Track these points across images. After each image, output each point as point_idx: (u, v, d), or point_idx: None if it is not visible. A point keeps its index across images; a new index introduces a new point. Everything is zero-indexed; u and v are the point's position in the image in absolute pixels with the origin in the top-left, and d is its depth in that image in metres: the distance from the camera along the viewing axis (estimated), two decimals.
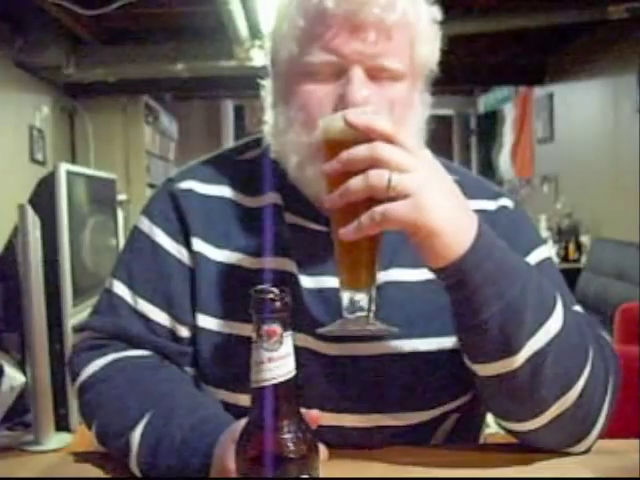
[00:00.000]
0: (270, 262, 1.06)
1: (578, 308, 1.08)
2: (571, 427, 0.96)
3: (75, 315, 3.40)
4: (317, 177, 0.96)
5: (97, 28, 5.53)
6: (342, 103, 0.95)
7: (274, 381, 0.65)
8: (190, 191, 1.11)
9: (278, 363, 0.65)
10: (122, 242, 4.34)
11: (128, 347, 1.06)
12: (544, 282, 0.94)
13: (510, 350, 0.89)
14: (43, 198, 3.25)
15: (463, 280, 0.87)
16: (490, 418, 1.08)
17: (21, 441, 2.16)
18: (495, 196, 1.14)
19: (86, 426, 1.05)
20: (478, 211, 1.09)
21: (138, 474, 0.93)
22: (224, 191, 1.12)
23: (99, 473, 0.97)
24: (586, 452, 0.98)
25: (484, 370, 0.93)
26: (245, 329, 1.04)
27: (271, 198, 1.10)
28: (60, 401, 3.20)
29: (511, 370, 0.90)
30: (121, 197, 5.15)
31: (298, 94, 1.00)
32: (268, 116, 1.09)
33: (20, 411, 3.17)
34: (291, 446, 0.65)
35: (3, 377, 2.98)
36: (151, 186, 6.91)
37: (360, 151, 0.83)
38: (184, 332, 1.08)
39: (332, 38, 0.96)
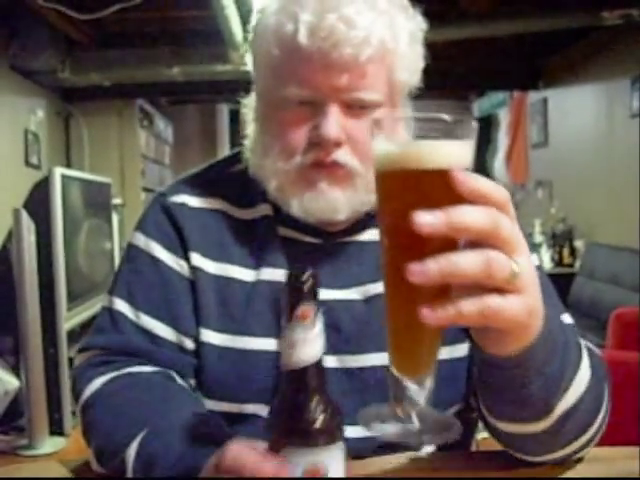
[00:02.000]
0: (266, 274, 1.06)
1: (567, 317, 1.08)
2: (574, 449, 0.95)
3: (70, 319, 3.41)
4: (298, 198, 0.98)
5: (92, 32, 5.53)
6: (316, 136, 0.97)
7: (309, 361, 0.68)
8: (183, 205, 1.11)
9: (312, 343, 0.68)
10: (117, 246, 4.34)
11: (130, 363, 1.05)
12: (571, 336, 0.88)
13: (540, 415, 0.85)
14: (38, 202, 3.26)
15: (518, 363, 0.77)
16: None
17: (15, 445, 2.16)
18: None
19: (87, 446, 1.03)
20: None
21: None
22: (216, 204, 1.12)
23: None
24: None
25: (507, 428, 0.89)
26: (247, 342, 1.04)
27: (263, 210, 1.10)
28: (54, 405, 3.21)
29: (537, 430, 0.86)
30: (116, 201, 5.15)
31: (273, 122, 1.02)
32: (250, 130, 1.10)
33: (14, 415, 3.17)
34: (325, 421, 0.69)
35: None
36: (146, 190, 6.90)
37: (480, 218, 0.65)
38: (189, 344, 1.07)
39: (307, 74, 0.96)
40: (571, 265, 6.01)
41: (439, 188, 0.65)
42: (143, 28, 5.60)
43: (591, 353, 1.02)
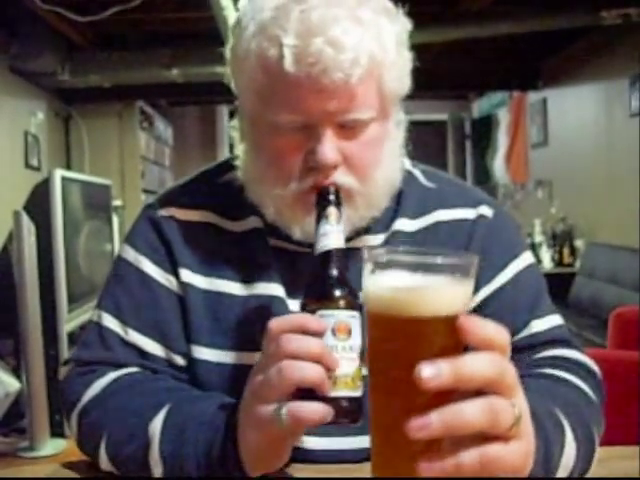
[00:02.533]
0: (258, 288, 1.05)
1: (556, 318, 1.08)
2: None
3: (70, 321, 3.41)
4: (299, 224, 0.99)
5: (92, 34, 5.54)
6: (313, 161, 0.94)
7: (335, 246, 0.87)
8: (171, 218, 1.09)
9: (337, 234, 0.88)
10: (117, 248, 4.35)
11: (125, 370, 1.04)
12: (550, 413, 0.85)
13: None
14: (38, 204, 3.25)
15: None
16: None
17: (16, 447, 2.16)
18: (475, 204, 1.11)
19: (88, 452, 1.00)
20: (458, 220, 1.09)
21: (160, 472, 0.89)
22: (205, 216, 1.09)
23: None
24: None
25: None
26: (241, 357, 1.03)
27: (253, 222, 1.08)
28: (55, 407, 3.20)
29: None
30: (116, 203, 5.15)
31: (267, 148, 0.98)
32: (239, 150, 1.06)
33: (15, 417, 3.17)
34: (346, 290, 0.85)
35: None
36: (146, 191, 6.91)
37: (486, 367, 0.63)
38: (179, 361, 1.06)
39: (297, 99, 0.92)
40: (571, 265, 6.02)
41: (441, 334, 0.64)
42: (142, 30, 5.61)
43: (583, 372, 1.01)
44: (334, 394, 0.78)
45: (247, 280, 1.05)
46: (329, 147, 0.93)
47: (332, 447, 1.01)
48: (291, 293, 1.04)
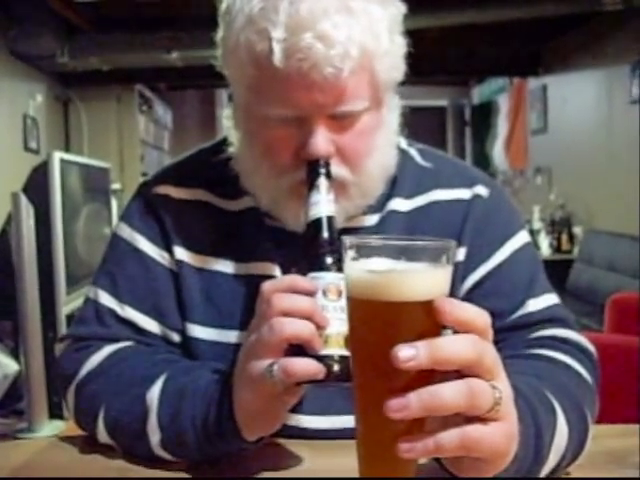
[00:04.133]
0: (253, 267, 1.05)
1: (552, 297, 1.08)
2: None
3: (69, 303, 3.41)
4: (293, 215, 0.99)
5: (91, 17, 5.52)
6: (305, 153, 0.93)
7: (326, 214, 0.90)
8: (166, 197, 1.10)
9: (327, 203, 0.91)
10: None
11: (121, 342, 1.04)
12: (541, 399, 0.85)
13: None
14: (37, 186, 3.25)
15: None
16: None
17: (15, 429, 2.16)
18: (471, 184, 1.11)
19: (86, 426, 1.00)
20: (453, 200, 1.09)
21: (157, 440, 0.90)
22: (200, 195, 1.10)
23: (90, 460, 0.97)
24: None
25: None
26: (234, 336, 1.04)
27: (248, 202, 1.08)
28: (54, 389, 3.21)
29: None
30: (115, 186, 5.14)
31: (259, 139, 0.98)
32: (233, 138, 1.06)
33: (14, 399, 3.18)
34: (335, 253, 0.87)
35: None
36: (145, 175, 6.89)
37: (464, 349, 0.64)
38: (174, 337, 1.07)
39: (287, 93, 0.91)
40: (569, 251, 6.03)
41: (418, 317, 0.64)
42: (142, 13, 5.59)
43: (578, 352, 1.01)
44: (325, 352, 0.81)
45: (241, 259, 1.06)
46: (321, 140, 0.93)
47: (332, 426, 1.02)
48: (287, 272, 1.02)
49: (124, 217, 1.13)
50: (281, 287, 0.82)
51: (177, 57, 5.67)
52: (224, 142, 1.12)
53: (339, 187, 0.96)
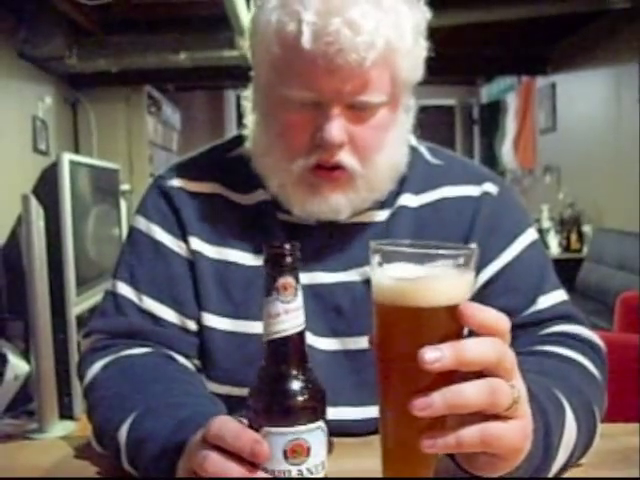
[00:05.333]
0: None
1: (561, 293, 1.09)
2: None
3: (79, 304, 3.43)
4: (300, 203, 1.01)
5: (100, 19, 5.54)
6: (320, 138, 0.96)
7: (290, 332, 0.68)
8: (181, 189, 1.12)
9: (293, 315, 0.68)
10: (125, 232, 4.36)
11: (131, 346, 1.05)
12: (549, 395, 0.86)
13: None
14: (46, 188, 3.27)
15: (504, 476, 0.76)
16: None
17: (25, 429, 2.18)
18: (479, 181, 1.13)
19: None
20: (462, 197, 1.10)
21: (133, 472, 0.90)
22: (215, 188, 1.12)
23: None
24: None
25: None
26: (248, 326, 1.05)
27: (261, 195, 1.10)
28: (64, 389, 3.23)
29: None
30: (124, 187, 5.16)
31: (277, 121, 1.01)
32: (249, 120, 1.10)
33: (24, 399, 3.20)
34: (305, 395, 0.68)
35: (7, 366, 3.01)
36: (154, 176, 6.91)
37: (486, 351, 0.66)
38: (192, 326, 1.08)
39: (310, 76, 0.94)
40: (579, 250, 6.01)
41: (442, 321, 0.67)
42: (150, 14, 5.60)
43: (587, 348, 1.02)
44: None
45: (254, 250, 1.08)
46: (337, 126, 0.96)
47: (338, 417, 1.02)
48: None
49: (140, 210, 1.15)
50: (224, 442, 0.69)
51: (185, 58, 5.68)
52: (236, 139, 1.16)
53: (349, 180, 1.00)
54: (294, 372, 0.69)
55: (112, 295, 1.10)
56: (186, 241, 1.09)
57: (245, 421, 0.72)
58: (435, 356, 0.64)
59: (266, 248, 0.69)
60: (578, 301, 4.94)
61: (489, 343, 0.67)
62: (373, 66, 0.94)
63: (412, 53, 0.99)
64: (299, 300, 0.69)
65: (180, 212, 1.10)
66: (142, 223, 1.13)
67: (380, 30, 0.92)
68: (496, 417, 0.68)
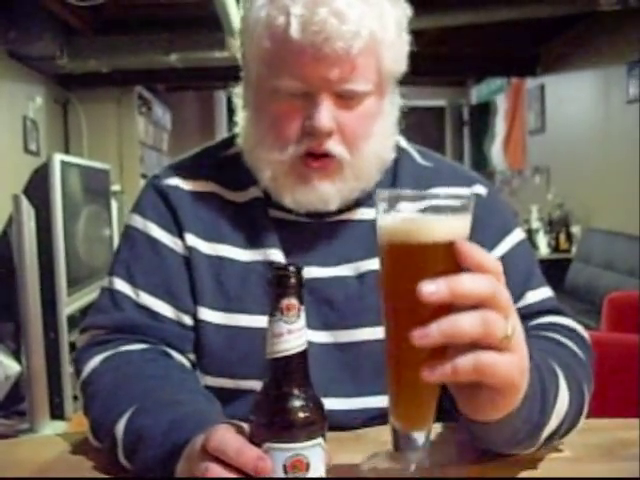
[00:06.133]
0: (258, 253, 1.10)
1: (548, 290, 1.13)
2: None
3: (70, 304, 3.44)
4: (290, 192, 1.05)
5: (91, 19, 5.54)
6: (309, 126, 1.01)
7: (293, 351, 0.71)
8: (177, 187, 1.15)
9: (296, 335, 0.71)
10: (116, 232, 4.37)
11: (128, 341, 1.07)
12: (545, 362, 0.90)
13: (527, 447, 0.89)
14: (37, 188, 3.28)
15: (503, 425, 0.80)
16: None
17: (16, 429, 2.18)
18: (469, 183, 1.18)
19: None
20: None
21: (129, 466, 0.91)
22: (209, 187, 1.15)
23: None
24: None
25: (496, 450, 0.91)
26: (242, 319, 1.08)
27: (254, 193, 1.14)
28: (55, 389, 3.24)
29: (523, 451, 0.90)
30: (115, 188, 5.17)
31: (267, 113, 1.05)
32: (239, 117, 1.14)
33: (15, 400, 3.21)
34: (306, 412, 0.71)
35: None
36: (144, 177, 6.91)
37: (480, 285, 0.71)
38: (187, 320, 1.10)
39: (299, 66, 0.99)
40: (568, 251, 6.04)
41: (442, 258, 0.72)
42: (141, 15, 5.60)
43: (574, 336, 1.07)
44: None
45: (248, 246, 1.11)
46: (325, 114, 1.00)
47: (328, 407, 1.04)
48: (290, 258, 1.10)
49: (136, 208, 1.17)
50: (225, 455, 0.71)
51: (176, 59, 5.69)
52: (228, 140, 1.19)
53: (337, 168, 1.04)
54: (295, 390, 0.71)
55: (109, 291, 1.12)
56: (182, 238, 1.12)
57: (242, 424, 0.75)
58: (431, 289, 0.68)
59: (271, 269, 0.73)
60: (567, 301, 4.97)
61: (483, 278, 0.71)
62: (359, 55, 0.99)
63: (395, 45, 1.04)
64: (302, 320, 0.71)
65: (176, 210, 1.13)
66: (138, 221, 1.15)
67: (365, 20, 0.98)
68: (491, 348, 0.71)
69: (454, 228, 0.74)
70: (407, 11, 1.06)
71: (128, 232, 1.16)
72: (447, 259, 0.72)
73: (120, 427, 0.91)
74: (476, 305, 0.71)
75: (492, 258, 0.74)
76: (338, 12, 0.96)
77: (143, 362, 1.03)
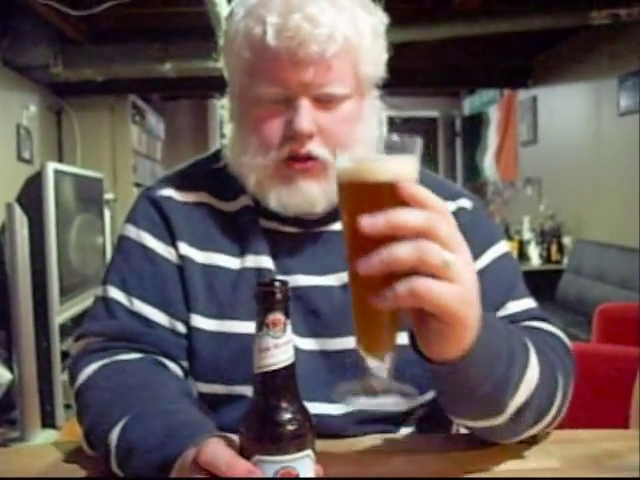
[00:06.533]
0: (249, 261, 1.12)
1: (530, 301, 1.15)
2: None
3: (62, 313, 3.44)
4: (276, 194, 1.08)
5: (85, 28, 5.54)
6: (290, 130, 1.05)
7: (280, 365, 0.72)
8: (170, 198, 1.17)
9: (282, 349, 0.72)
10: (109, 241, 4.37)
11: (123, 350, 1.08)
12: (516, 341, 0.93)
13: (495, 413, 0.91)
14: (31, 197, 3.28)
15: (463, 370, 0.84)
16: None
17: (7, 438, 2.18)
18: (455, 197, 1.20)
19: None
20: None
21: (121, 475, 0.93)
22: (201, 197, 1.18)
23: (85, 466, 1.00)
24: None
25: (466, 423, 0.96)
26: (234, 326, 1.10)
27: (244, 202, 1.17)
28: (46, 398, 3.24)
29: (494, 424, 0.92)
30: (108, 196, 5.17)
31: (250, 120, 1.09)
32: (227, 129, 1.17)
33: (6, 408, 3.20)
34: (295, 425, 0.72)
35: None
36: (138, 185, 6.91)
37: (415, 217, 0.74)
38: (181, 328, 1.12)
39: (277, 72, 1.04)
40: (559, 262, 6.06)
41: (388, 198, 0.76)
42: (135, 24, 5.61)
43: (556, 339, 1.09)
44: None
45: (239, 254, 1.13)
46: (305, 117, 1.04)
47: (313, 412, 1.05)
48: (279, 268, 1.13)
49: (130, 219, 1.19)
50: (216, 468, 0.73)
51: (170, 68, 5.70)
52: (219, 152, 1.22)
53: (320, 169, 1.07)
54: (283, 403, 0.73)
55: (103, 299, 1.14)
56: (175, 247, 1.14)
57: (232, 437, 0.76)
58: (370, 221, 0.73)
59: (257, 285, 0.74)
60: (558, 312, 4.99)
61: (419, 212, 0.74)
62: (334, 58, 1.03)
63: (373, 51, 1.08)
64: (288, 335, 0.73)
65: (169, 220, 1.15)
66: (132, 231, 1.17)
67: (338, 25, 1.02)
68: (431, 277, 0.74)
69: (398, 167, 0.77)
70: (383, 19, 1.11)
71: (122, 242, 1.18)
72: (393, 199, 0.75)
73: (113, 436, 0.92)
74: (417, 238, 0.74)
75: (436, 198, 0.77)
76: (311, 17, 1.00)
77: (137, 371, 1.04)
